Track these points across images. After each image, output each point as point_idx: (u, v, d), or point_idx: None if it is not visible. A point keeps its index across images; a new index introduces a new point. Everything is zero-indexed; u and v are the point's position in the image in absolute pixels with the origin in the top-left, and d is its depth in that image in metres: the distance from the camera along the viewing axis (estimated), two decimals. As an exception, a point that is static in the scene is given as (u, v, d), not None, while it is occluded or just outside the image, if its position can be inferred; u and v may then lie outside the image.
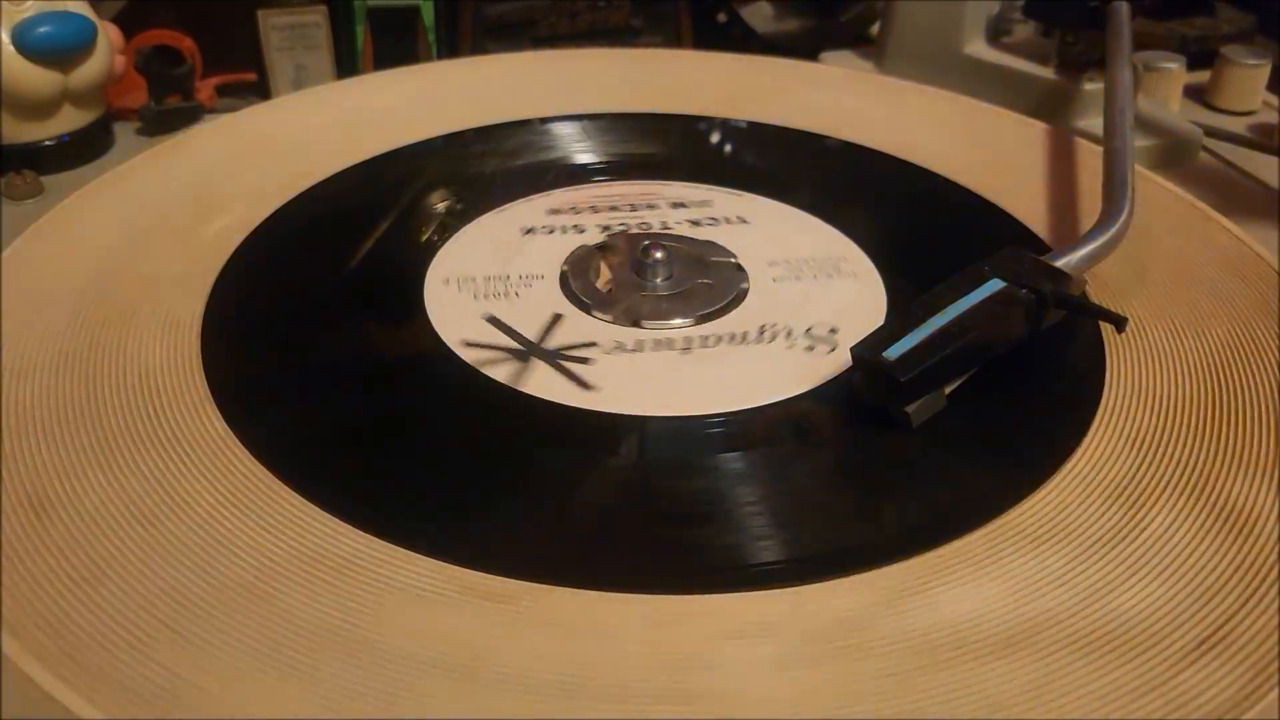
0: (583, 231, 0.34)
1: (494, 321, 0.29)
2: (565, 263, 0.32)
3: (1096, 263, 0.29)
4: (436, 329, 0.29)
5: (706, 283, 0.32)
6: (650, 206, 0.35)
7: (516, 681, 0.19)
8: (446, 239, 0.33)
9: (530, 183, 0.37)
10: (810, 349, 0.29)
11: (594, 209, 0.35)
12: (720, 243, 0.34)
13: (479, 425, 0.26)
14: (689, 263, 0.32)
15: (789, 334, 0.30)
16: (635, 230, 0.34)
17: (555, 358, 0.28)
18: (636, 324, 0.30)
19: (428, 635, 0.20)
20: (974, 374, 0.26)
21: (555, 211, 0.34)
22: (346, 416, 0.27)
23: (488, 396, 0.27)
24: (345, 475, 0.24)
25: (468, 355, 0.28)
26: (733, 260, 0.33)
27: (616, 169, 0.38)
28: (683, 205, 0.36)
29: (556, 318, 0.30)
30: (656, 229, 0.34)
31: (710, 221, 0.35)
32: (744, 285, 0.32)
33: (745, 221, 0.35)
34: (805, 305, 0.31)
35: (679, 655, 0.20)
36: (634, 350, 0.29)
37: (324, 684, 0.19)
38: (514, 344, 0.28)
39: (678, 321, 0.30)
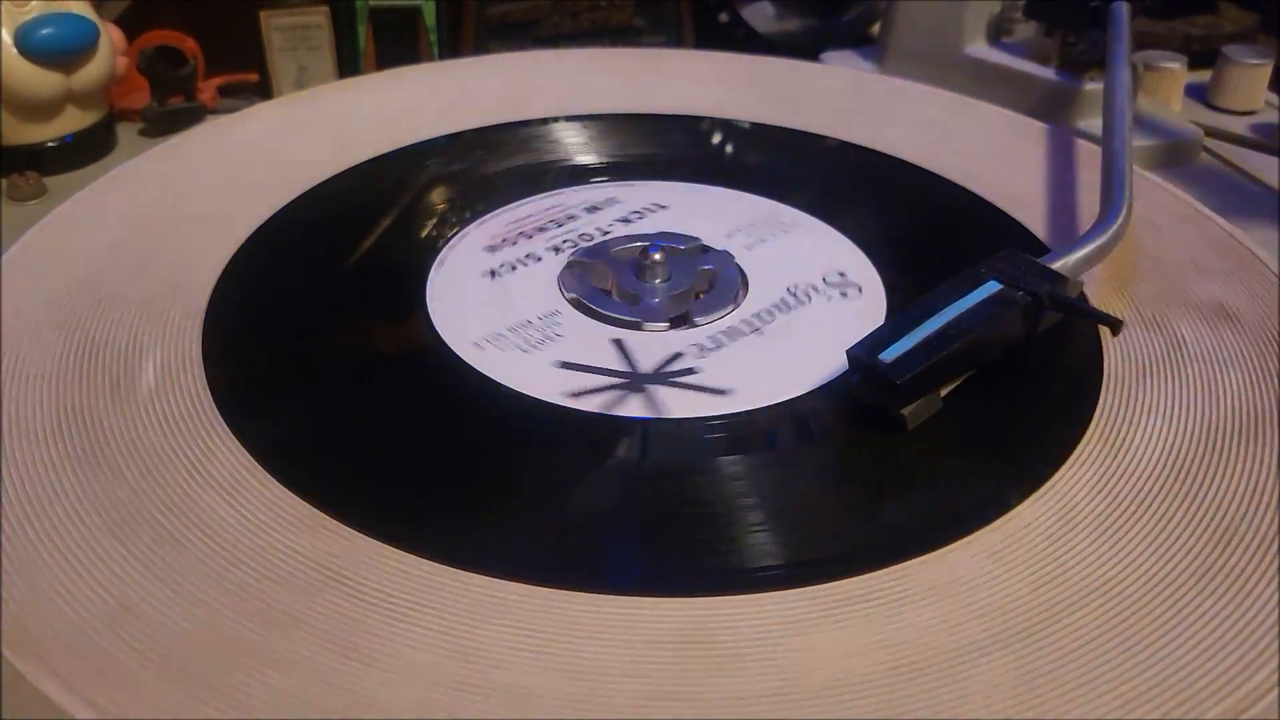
0: (539, 259, 0.33)
1: (572, 366, 0.28)
2: (566, 291, 0.31)
3: (1093, 265, 0.29)
4: (526, 392, 0.27)
5: (708, 268, 0.32)
6: (571, 217, 0.35)
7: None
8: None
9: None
10: (844, 295, 0.31)
11: (525, 235, 0.34)
12: (671, 230, 0.34)
13: (679, 464, 0.25)
14: (678, 256, 0.32)
15: (814, 288, 0.31)
16: (580, 242, 0.34)
17: (667, 380, 0.28)
18: (691, 324, 0.30)
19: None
20: (971, 376, 0.27)
21: (494, 248, 0.33)
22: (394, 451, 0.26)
23: (632, 430, 0.26)
24: (418, 507, 0.24)
25: (587, 405, 0.26)
26: (699, 242, 0.34)
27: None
28: (596, 208, 0.35)
29: (618, 343, 0.29)
30: (599, 237, 0.34)
31: (635, 215, 0.35)
32: (735, 261, 0.33)
33: (665, 207, 0.36)
34: (796, 260, 0.33)
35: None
36: (719, 347, 0.29)
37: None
38: (614, 379, 0.27)
39: (727, 309, 0.31)
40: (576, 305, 0.31)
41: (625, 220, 0.35)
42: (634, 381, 0.27)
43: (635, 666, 0.19)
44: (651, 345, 0.29)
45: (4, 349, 0.27)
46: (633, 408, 0.26)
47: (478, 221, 0.35)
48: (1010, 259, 0.27)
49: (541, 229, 0.34)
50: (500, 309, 0.30)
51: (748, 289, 0.32)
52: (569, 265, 0.32)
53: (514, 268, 0.32)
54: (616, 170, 0.38)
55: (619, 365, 0.28)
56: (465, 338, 0.29)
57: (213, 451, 0.24)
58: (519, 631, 0.20)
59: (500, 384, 0.27)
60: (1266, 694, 0.19)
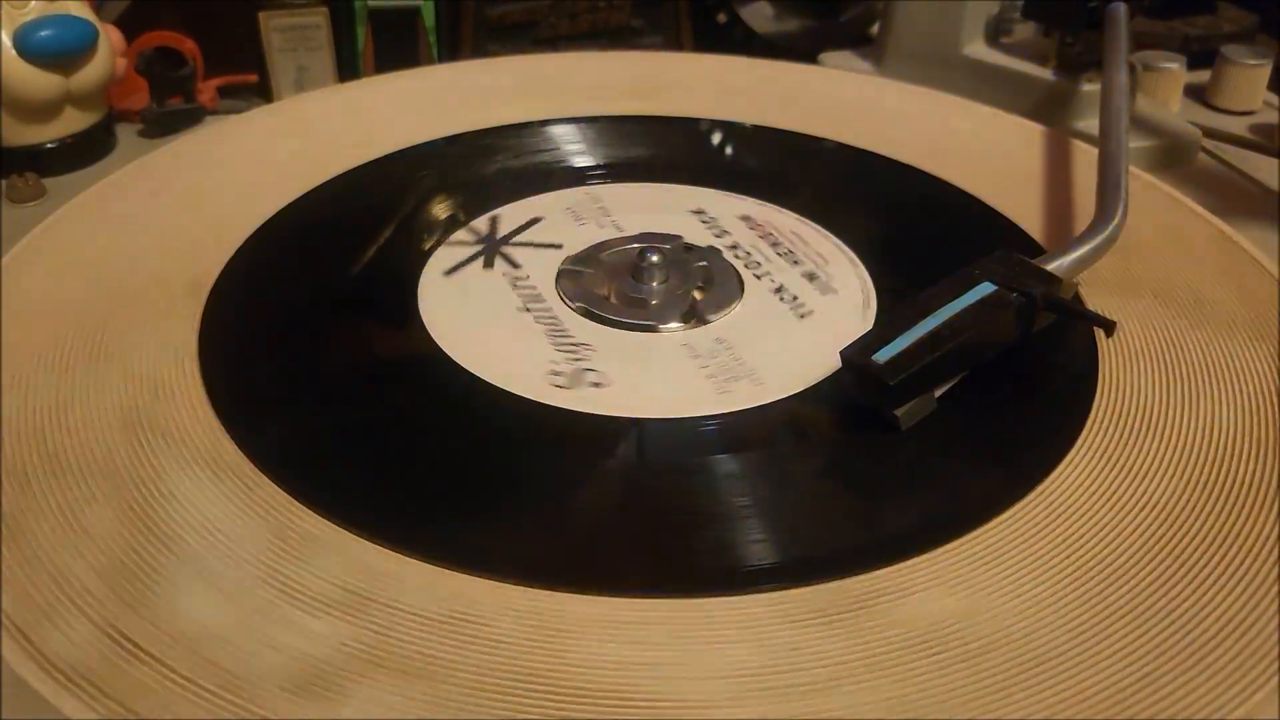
0: (527, 285, 0.32)
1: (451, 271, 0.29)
2: (571, 301, 0.31)
3: (1088, 266, 0.29)
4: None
5: (703, 264, 0.33)
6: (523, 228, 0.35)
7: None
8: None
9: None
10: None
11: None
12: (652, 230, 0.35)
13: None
14: (669, 256, 0.33)
15: (823, 272, 0.32)
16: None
17: (508, 241, 0.29)
18: (703, 322, 0.30)
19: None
20: (965, 376, 0.27)
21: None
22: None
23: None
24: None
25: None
26: (681, 240, 0.34)
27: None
28: (522, 229, 0.35)
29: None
30: (587, 244, 0.34)
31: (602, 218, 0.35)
32: (721, 253, 0.33)
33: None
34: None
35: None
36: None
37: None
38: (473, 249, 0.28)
39: (739, 307, 0.31)
40: (587, 313, 0.31)
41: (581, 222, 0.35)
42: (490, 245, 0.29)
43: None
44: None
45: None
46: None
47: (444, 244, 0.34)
48: (1004, 260, 0.27)
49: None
50: (534, 334, 0.29)
51: (744, 283, 0.32)
52: (562, 274, 0.32)
53: (514, 284, 0.32)
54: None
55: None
56: (533, 374, 0.28)
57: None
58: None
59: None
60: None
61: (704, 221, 0.35)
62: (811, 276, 0.32)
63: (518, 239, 0.34)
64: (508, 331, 0.30)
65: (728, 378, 0.28)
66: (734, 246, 0.34)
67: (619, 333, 0.30)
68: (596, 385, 0.27)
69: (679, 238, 0.34)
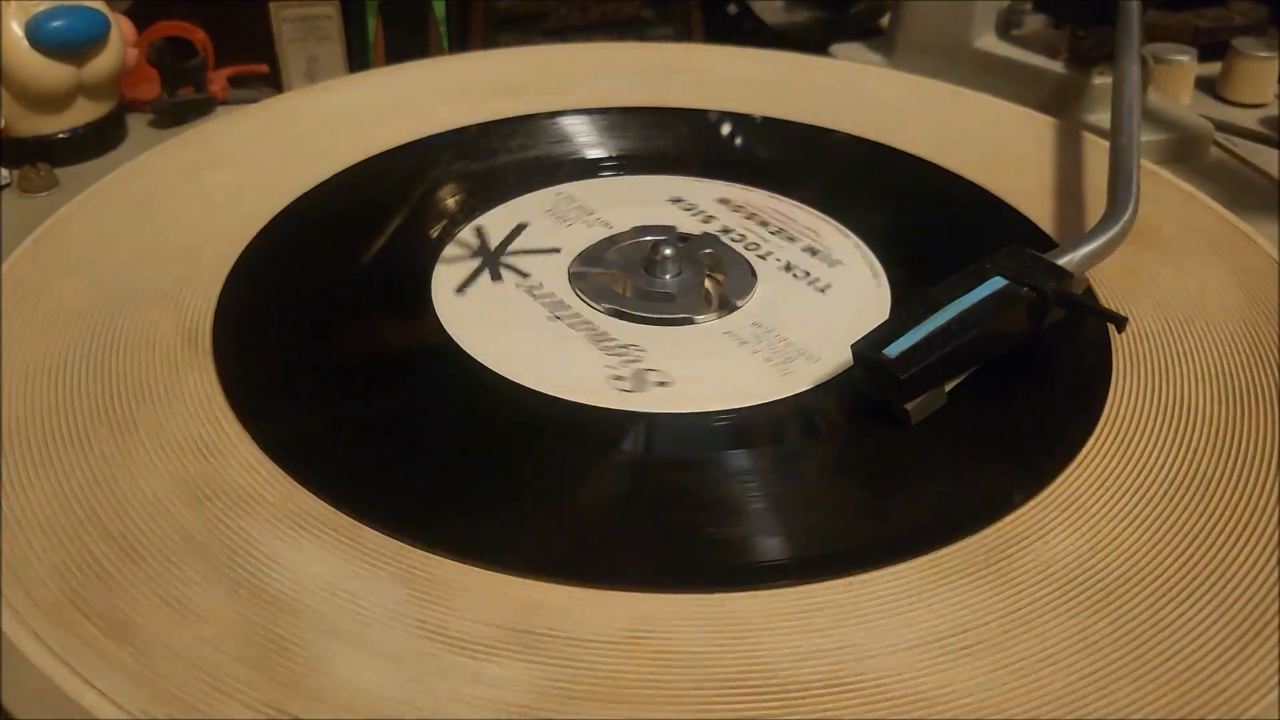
0: (540, 283, 0.32)
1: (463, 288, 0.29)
2: (595, 304, 0.31)
3: (1099, 260, 0.29)
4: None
5: (710, 251, 0.33)
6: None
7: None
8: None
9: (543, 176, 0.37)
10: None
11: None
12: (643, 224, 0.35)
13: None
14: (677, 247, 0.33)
15: (822, 245, 0.33)
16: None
17: (505, 251, 0.29)
18: (733, 308, 0.31)
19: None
20: (977, 371, 0.27)
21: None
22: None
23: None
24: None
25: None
26: (676, 230, 0.34)
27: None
28: (513, 237, 0.34)
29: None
30: (585, 244, 0.34)
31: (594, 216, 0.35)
32: (726, 241, 0.33)
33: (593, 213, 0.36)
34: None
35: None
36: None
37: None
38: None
39: (760, 289, 0.31)
40: (615, 314, 0.30)
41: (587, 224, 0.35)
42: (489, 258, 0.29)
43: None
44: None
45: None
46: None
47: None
48: (1016, 255, 0.27)
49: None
50: (576, 342, 0.29)
51: (773, 256, 0.33)
52: (574, 277, 0.32)
53: (532, 294, 0.31)
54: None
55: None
56: (594, 381, 0.27)
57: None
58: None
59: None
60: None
61: (686, 209, 0.35)
62: (813, 250, 0.33)
63: (514, 247, 0.33)
64: (550, 344, 0.29)
65: (783, 359, 0.28)
66: (726, 230, 0.34)
67: (659, 329, 0.30)
68: (662, 384, 0.27)
69: (673, 228, 0.34)
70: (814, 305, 0.31)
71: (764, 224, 0.34)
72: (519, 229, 0.34)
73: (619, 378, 0.27)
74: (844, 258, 0.33)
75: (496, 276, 0.32)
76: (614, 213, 0.35)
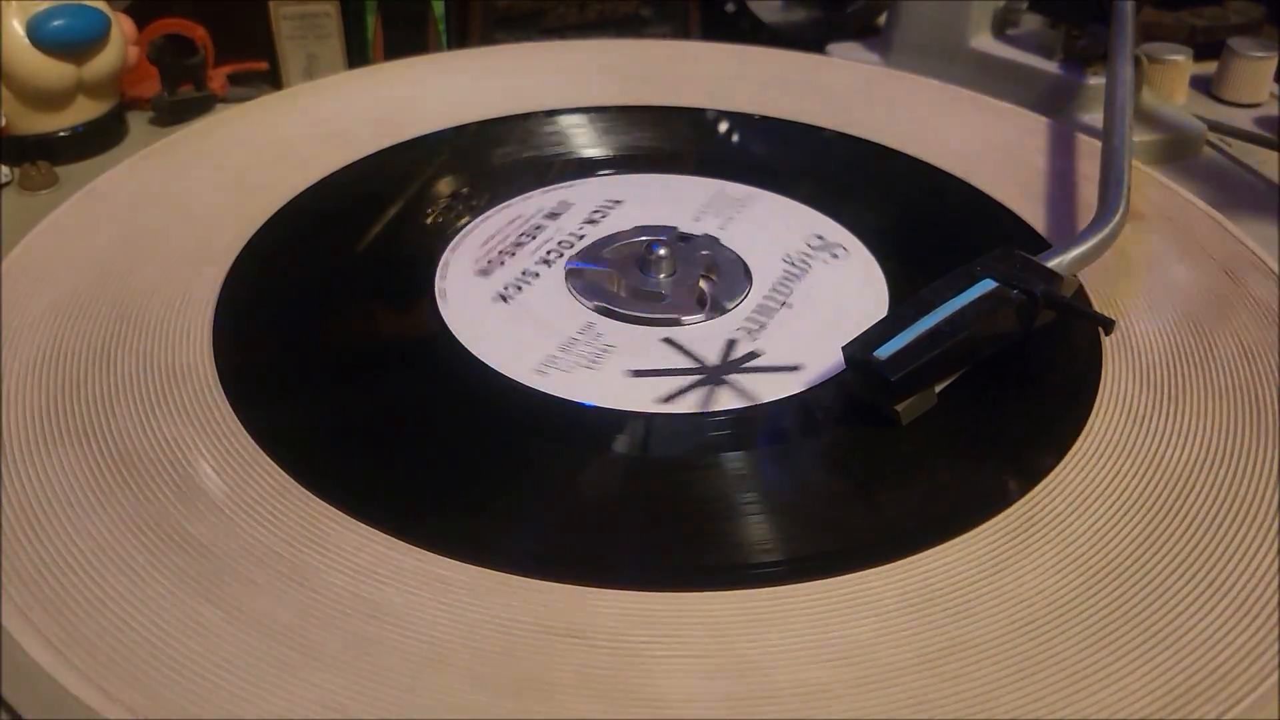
0: (537, 274, 0.32)
1: (644, 373, 0.28)
2: (587, 300, 0.31)
3: (1089, 263, 0.29)
4: (617, 407, 0.27)
5: (706, 253, 0.33)
6: (538, 227, 0.35)
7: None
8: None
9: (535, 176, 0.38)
10: (835, 256, 0.33)
11: (508, 253, 0.33)
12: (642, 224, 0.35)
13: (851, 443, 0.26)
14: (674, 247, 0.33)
15: (820, 241, 0.33)
16: (561, 249, 0.34)
17: (737, 368, 0.28)
18: (720, 311, 0.31)
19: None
20: (967, 372, 0.27)
21: (486, 272, 0.32)
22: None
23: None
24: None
25: (682, 406, 0.27)
26: (676, 230, 0.34)
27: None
28: (556, 214, 0.35)
29: (669, 340, 0.30)
30: (577, 244, 0.34)
31: (598, 215, 0.36)
32: (723, 242, 0.34)
33: (620, 201, 0.36)
34: (775, 228, 0.35)
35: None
36: (762, 327, 0.30)
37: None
38: (691, 378, 0.28)
39: (756, 288, 0.32)
40: (603, 312, 0.31)
41: (591, 221, 0.35)
42: (712, 375, 0.28)
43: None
44: (698, 336, 0.30)
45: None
46: (725, 400, 0.27)
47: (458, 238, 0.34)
48: (1006, 257, 0.28)
49: (519, 244, 0.34)
50: (538, 331, 0.30)
51: (749, 269, 0.33)
52: (570, 273, 0.32)
53: (519, 288, 0.32)
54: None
55: (687, 363, 0.28)
56: (521, 365, 0.28)
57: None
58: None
59: (585, 404, 0.27)
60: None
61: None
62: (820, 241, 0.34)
63: (530, 239, 0.34)
64: (534, 336, 0.29)
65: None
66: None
67: (638, 329, 0.30)
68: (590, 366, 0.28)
69: (673, 228, 0.34)
70: (811, 302, 0.31)
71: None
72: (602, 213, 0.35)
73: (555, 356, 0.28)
74: (847, 245, 0.33)
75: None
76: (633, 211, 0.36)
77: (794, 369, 0.28)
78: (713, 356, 0.29)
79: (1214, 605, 0.21)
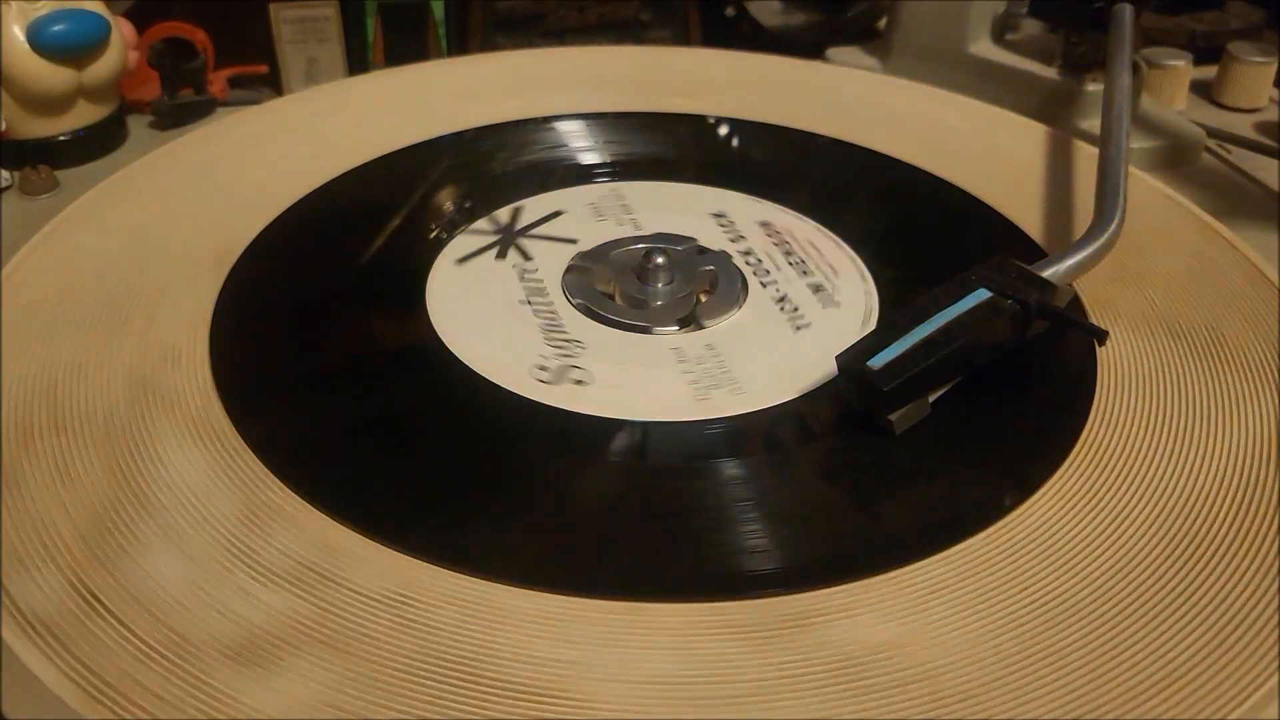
0: (535, 277, 0.33)
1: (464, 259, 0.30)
2: (572, 297, 0.32)
3: (1084, 272, 0.29)
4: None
5: (709, 269, 0.33)
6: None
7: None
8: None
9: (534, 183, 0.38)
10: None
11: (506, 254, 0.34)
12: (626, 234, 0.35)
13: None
14: (678, 258, 0.33)
15: (825, 278, 0.33)
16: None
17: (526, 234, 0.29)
18: (699, 326, 0.31)
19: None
20: (961, 381, 0.27)
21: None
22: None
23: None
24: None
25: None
26: (696, 243, 0.34)
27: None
28: (541, 222, 0.36)
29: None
30: (594, 241, 0.34)
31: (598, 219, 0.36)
32: (731, 258, 0.34)
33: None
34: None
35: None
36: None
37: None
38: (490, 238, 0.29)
39: (738, 314, 0.32)
40: (588, 312, 0.31)
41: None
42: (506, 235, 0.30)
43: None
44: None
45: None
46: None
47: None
48: (1001, 266, 0.28)
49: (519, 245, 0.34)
50: (528, 335, 0.30)
51: (748, 290, 0.32)
52: (570, 269, 0.33)
53: (522, 276, 0.32)
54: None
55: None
56: (519, 366, 0.28)
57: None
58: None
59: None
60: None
61: (722, 225, 0.36)
62: (818, 288, 0.32)
63: (535, 231, 0.34)
64: (505, 323, 0.30)
65: (709, 385, 0.28)
66: (747, 252, 0.34)
67: (613, 332, 0.30)
68: (578, 383, 0.28)
69: (693, 240, 0.34)
70: (779, 341, 0.30)
71: (788, 253, 0.34)
72: (552, 215, 0.35)
73: (544, 368, 0.28)
74: (845, 300, 0.32)
75: (503, 254, 0.33)
76: (650, 216, 0.36)
77: (573, 241, 0.33)
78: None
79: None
